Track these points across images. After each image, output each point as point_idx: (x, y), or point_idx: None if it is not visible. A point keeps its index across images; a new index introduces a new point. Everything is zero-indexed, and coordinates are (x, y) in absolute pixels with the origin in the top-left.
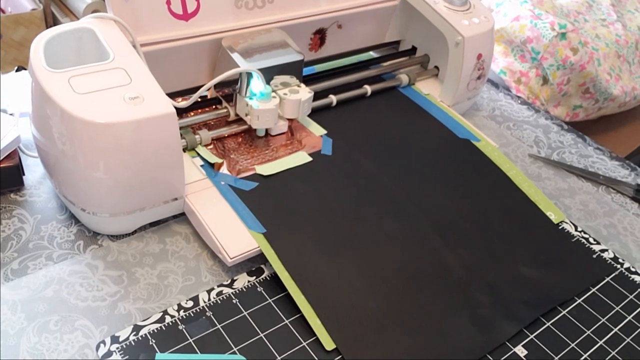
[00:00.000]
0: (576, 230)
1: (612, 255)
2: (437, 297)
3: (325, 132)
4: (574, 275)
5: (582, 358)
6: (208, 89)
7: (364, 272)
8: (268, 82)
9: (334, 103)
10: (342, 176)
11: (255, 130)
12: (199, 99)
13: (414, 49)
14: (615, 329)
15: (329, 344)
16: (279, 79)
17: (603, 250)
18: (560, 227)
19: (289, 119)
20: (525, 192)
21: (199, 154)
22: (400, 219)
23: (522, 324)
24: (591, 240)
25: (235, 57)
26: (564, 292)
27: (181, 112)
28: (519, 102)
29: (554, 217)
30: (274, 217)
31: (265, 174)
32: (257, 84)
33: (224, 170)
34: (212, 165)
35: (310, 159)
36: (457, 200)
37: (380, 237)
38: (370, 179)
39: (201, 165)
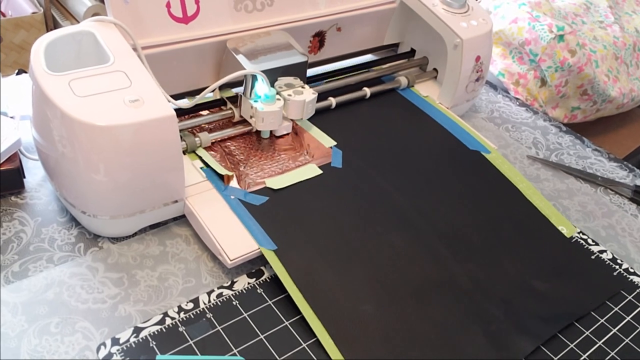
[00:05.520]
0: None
1: (610, 256)
2: (447, 310)
3: (335, 143)
4: (589, 289)
5: (581, 358)
6: (212, 91)
7: (374, 287)
8: (272, 83)
9: (333, 105)
10: (351, 189)
11: (259, 131)
12: (204, 101)
13: (412, 52)
14: (614, 330)
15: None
16: (283, 80)
17: (602, 252)
18: (573, 241)
19: (293, 121)
20: (536, 206)
21: (207, 165)
22: (409, 232)
23: (540, 339)
24: (590, 241)
25: (241, 58)
26: (580, 307)
27: (186, 114)
28: (518, 103)
29: (565, 231)
30: (284, 233)
31: (275, 187)
32: (262, 86)
33: (233, 183)
34: (221, 177)
35: (320, 171)
36: (465, 212)
37: (389, 251)
38: (378, 191)
39: (203, 169)
